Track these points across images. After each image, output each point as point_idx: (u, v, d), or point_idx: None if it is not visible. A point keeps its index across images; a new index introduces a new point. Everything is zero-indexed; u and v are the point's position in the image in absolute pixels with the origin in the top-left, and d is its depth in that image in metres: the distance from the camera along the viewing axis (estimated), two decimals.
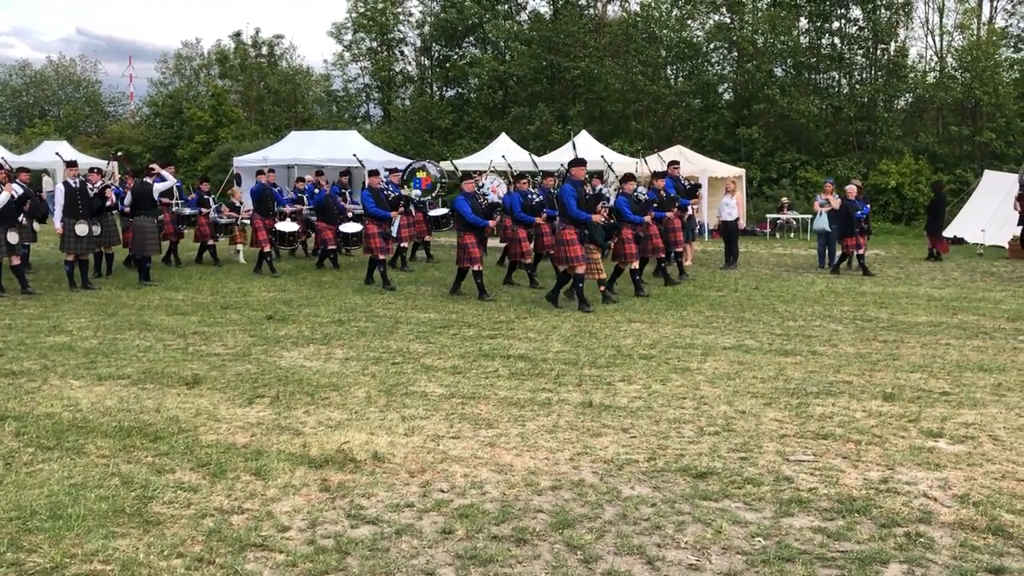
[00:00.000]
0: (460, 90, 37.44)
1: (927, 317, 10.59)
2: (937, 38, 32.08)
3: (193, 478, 4.87)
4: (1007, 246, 18.39)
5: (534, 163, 18.48)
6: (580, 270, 11.00)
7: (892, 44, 30.72)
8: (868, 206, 16.17)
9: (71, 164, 13.10)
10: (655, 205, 13.26)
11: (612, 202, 12.69)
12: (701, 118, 31.49)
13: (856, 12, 30.59)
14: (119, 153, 18.62)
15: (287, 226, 15.98)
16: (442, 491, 4.69)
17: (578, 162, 11.42)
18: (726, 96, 32.83)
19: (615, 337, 9.17)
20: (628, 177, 12.79)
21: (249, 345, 8.66)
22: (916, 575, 3.73)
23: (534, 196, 13.39)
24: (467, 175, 13.47)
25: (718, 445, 5.46)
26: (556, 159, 22.29)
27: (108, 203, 13.45)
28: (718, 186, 21.59)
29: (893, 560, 3.86)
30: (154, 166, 14.70)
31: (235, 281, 13.67)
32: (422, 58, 39.72)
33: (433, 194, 19.12)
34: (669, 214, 13.80)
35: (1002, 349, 8.63)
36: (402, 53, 39.93)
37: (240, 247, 16.65)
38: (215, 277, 14.08)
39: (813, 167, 27.59)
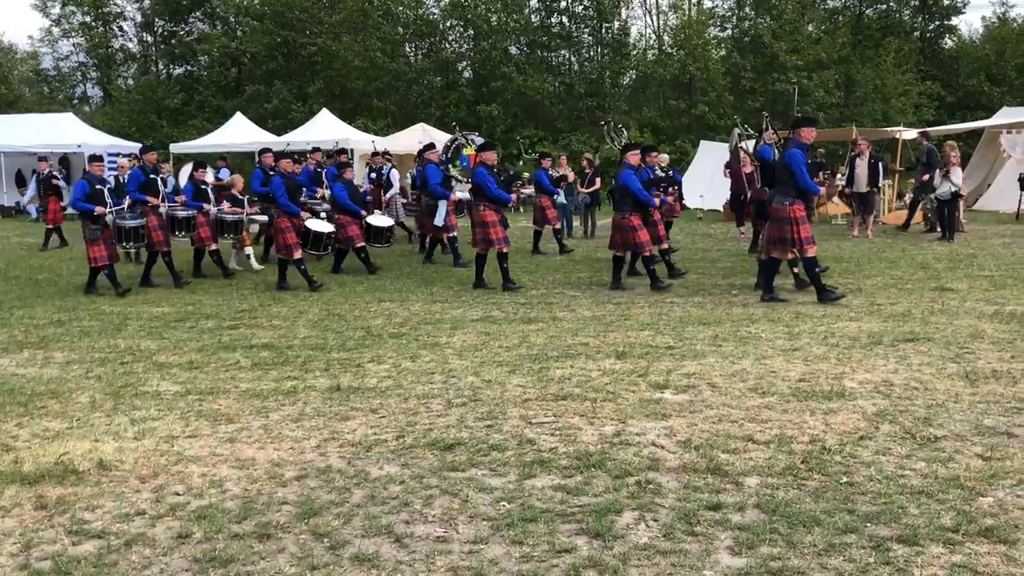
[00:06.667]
0: (189, 68, 35.44)
1: None
2: (655, 17, 34.49)
3: None
4: (722, 210, 20.19)
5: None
6: (811, 252, 9.38)
7: (615, 23, 32.64)
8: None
9: None
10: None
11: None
12: (443, 95, 31.86)
13: None
14: None
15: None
16: (177, 494, 4.40)
17: (806, 121, 9.71)
18: (466, 74, 33.46)
19: (365, 318, 9.06)
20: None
21: None
22: (646, 519, 3.98)
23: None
24: (634, 145, 11.33)
25: (465, 416, 5.55)
26: (298, 138, 21.72)
27: None
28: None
29: (626, 508, 4.09)
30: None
31: None
32: (144, 34, 37.17)
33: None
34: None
35: (718, 304, 9.45)
36: (121, 29, 37.13)
37: (250, 250, 13.70)
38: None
39: (550, 142, 28.82)
